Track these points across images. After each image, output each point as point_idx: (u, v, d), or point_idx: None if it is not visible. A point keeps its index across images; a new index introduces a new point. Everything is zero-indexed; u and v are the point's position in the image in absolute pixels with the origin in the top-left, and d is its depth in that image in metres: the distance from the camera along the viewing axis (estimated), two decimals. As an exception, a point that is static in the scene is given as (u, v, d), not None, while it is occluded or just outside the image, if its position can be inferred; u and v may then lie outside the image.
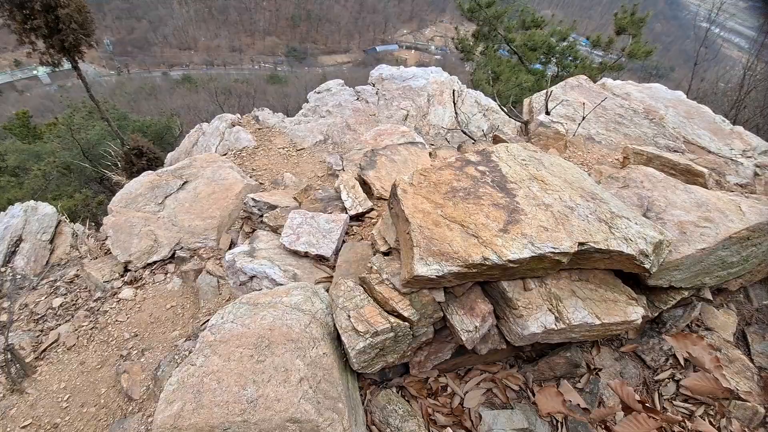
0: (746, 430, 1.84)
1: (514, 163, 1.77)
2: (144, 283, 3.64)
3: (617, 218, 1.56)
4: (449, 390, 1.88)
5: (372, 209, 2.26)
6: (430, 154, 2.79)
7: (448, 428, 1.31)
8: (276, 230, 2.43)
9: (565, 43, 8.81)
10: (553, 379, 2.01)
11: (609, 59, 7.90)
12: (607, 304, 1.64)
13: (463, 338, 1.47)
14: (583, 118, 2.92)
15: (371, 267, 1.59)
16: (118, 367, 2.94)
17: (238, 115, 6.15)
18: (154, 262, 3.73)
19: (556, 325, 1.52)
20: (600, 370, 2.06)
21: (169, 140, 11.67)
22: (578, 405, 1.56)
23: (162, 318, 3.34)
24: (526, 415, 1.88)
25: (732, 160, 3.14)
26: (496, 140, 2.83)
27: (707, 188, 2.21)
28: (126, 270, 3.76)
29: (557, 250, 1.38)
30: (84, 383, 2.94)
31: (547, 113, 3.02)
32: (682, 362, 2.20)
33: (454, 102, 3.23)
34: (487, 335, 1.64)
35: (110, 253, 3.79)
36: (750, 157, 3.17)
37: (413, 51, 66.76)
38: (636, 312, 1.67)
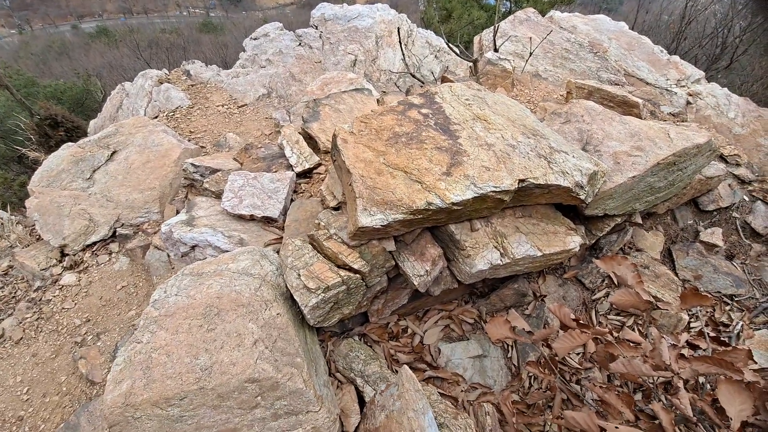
0: (665, 336, 2.12)
1: (458, 104, 1.72)
2: (87, 267, 3.38)
3: (556, 153, 1.59)
4: (410, 331, 1.98)
5: (320, 164, 2.16)
6: (378, 101, 2.65)
7: (405, 365, 1.39)
8: (219, 195, 2.27)
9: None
10: (504, 310, 2.17)
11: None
12: (548, 237, 1.74)
13: (416, 283, 1.51)
14: (530, 54, 2.88)
15: (319, 223, 1.54)
16: (74, 354, 2.81)
17: (165, 71, 5.47)
18: (94, 243, 3.44)
19: (501, 260, 1.59)
20: (545, 296, 2.25)
21: (91, 106, 10.25)
22: (524, 329, 1.70)
23: (114, 299, 3.17)
24: (480, 344, 2.05)
25: (667, 90, 3.29)
26: (444, 81, 2.73)
27: (642, 119, 2.31)
28: (63, 255, 3.46)
29: (499, 189, 1.40)
30: (41, 374, 2.80)
31: (496, 50, 2.93)
32: (616, 282, 2.45)
33: (400, 43, 3.03)
34: (439, 277, 1.70)
35: (42, 238, 3.44)
36: (684, 86, 3.34)
37: (362, -10, 61.39)
38: (574, 241, 1.78)
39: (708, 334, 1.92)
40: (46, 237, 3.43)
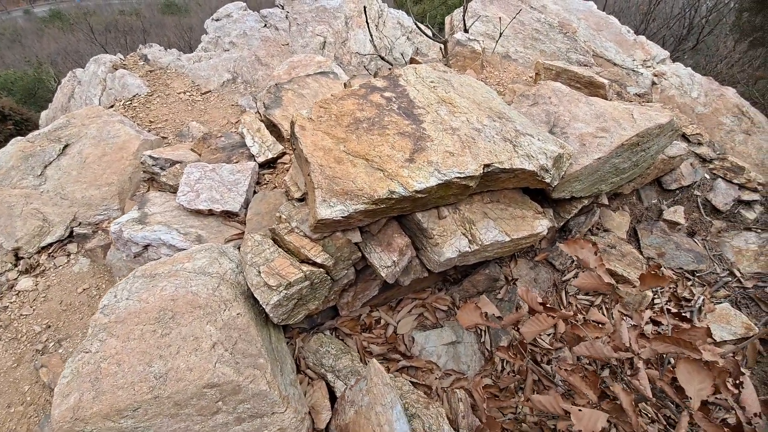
0: (628, 315, 2.18)
1: (423, 87, 1.65)
2: (44, 270, 3.18)
3: (521, 136, 1.56)
4: (383, 322, 1.95)
5: (284, 153, 2.05)
6: (345, 84, 2.55)
7: (374, 359, 1.35)
8: (176, 190, 2.14)
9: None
10: (477, 295, 2.17)
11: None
12: (516, 221, 1.72)
13: (383, 274, 1.46)
14: (500, 34, 2.82)
15: (280, 216, 1.47)
16: (35, 363, 2.67)
17: (120, 56, 5.11)
18: (50, 245, 3.23)
19: (470, 247, 1.57)
20: (517, 280, 2.27)
21: (44, 96, 9.50)
22: (494, 315, 1.70)
23: (75, 303, 3.00)
24: (453, 330, 2.05)
25: (633, 71, 3.32)
26: (413, 62, 2.65)
27: (608, 100, 2.31)
28: (18, 258, 3.23)
29: (463, 175, 1.36)
30: (4, 384, 2.65)
31: (465, 31, 2.86)
32: (580, 265, 2.50)
33: (368, 24, 2.90)
34: (408, 266, 1.66)
35: (-8, 241, 3.19)
36: (650, 66, 3.38)
37: (334, -31, 59.10)
38: (542, 225, 1.78)
39: (669, 310, 1.98)
40: (-3, 240, 3.19)
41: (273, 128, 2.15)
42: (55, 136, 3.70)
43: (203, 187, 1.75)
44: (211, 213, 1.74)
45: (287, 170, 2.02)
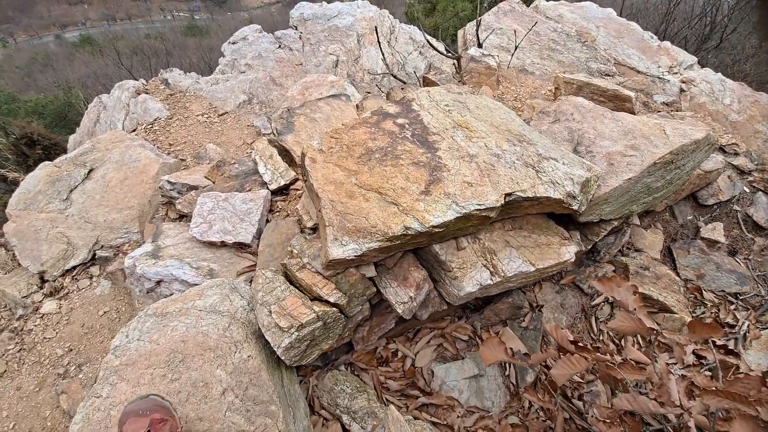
0: (667, 343, 2.01)
1: (437, 111, 1.59)
2: (67, 293, 3.26)
3: (544, 160, 1.47)
4: (400, 354, 1.86)
5: (297, 179, 2.02)
6: (357, 106, 2.51)
7: (391, 406, 1.27)
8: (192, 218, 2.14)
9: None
10: (500, 323, 2.05)
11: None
12: (541, 249, 1.62)
13: (400, 310, 1.39)
14: (516, 47, 2.74)
15: (292, 251, 1.42)
16: (56, 388, 2.70)
17: (143, 81, 5.28)
18: (74, 268, 3.32)
19: (492, 279, 1.47)
20: (542, 306, 2.14)
21: (74, 119, 9.97)
22: (520, 351, 1.59)
23: (96, 326, 3.04)
24: (476, 362, 1.93)
25: (659, 78, 3.16)
26: (426, 83, 2.59)
27: (634, 113, 2.18)
28: (44, 281, 3.33)
29: (483, 207, 1.28)
30: (26, 408, 2.71)
31: (479, 45, 2.79)
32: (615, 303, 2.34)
33: (379, 43, 2.88)
34: (427, 300, 1.58)
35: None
36: (676, 73, 3.21)
37: (347, -15, 60.48)
38: (569, 251, 1.66)
39: (714, 342, 1.81)
40: (25, 263, 3.31)
41: (285, 154, 2.13)
42: (81, 161, 3.82)
43: (216, 218, 1.73)
44: (223, 244, 1.71)
45: (299, 197, 1.98)
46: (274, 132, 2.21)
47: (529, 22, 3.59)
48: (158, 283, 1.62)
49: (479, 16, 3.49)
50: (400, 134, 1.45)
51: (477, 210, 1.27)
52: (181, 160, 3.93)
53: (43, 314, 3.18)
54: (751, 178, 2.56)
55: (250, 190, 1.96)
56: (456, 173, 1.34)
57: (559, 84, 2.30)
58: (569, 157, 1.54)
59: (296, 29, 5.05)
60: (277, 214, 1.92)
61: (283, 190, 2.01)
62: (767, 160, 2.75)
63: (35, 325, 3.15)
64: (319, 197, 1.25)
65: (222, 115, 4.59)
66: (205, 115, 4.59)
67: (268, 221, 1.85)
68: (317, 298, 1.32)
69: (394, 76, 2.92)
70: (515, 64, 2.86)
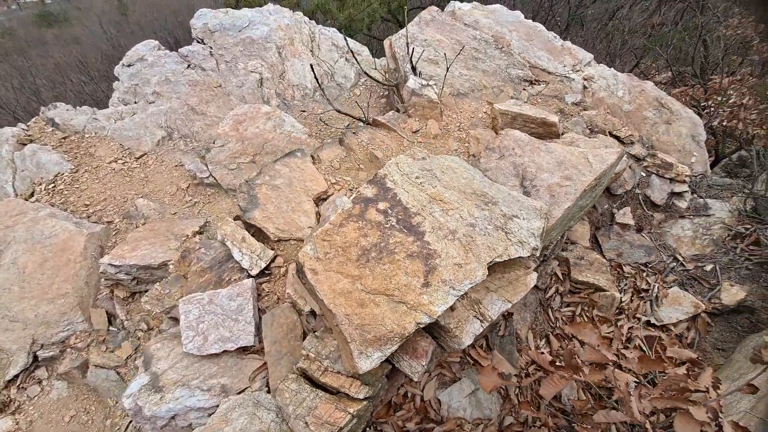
0: (606, 322, 2.50)
1: (410, 185, 1.71)
2: (19, 405, 2.87)
3: (510, 220, 1.70)
4: (409, 395, 2.08)
5: (276, 256, 2.01)
6: (313, 158, 2.49)
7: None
8: (169, 313, 2.02)
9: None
10: (482, 338, 2.37)
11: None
12: (513, 285, 1.89)
13: (415, 378, 1.57)
14: (447, 70, 2.90)
15: (308, 354, 1.48)
16: None
17: (22, 127, 4.44)
18: (16, 377, 2.91)
19: (482, 326, 1.72)
20: (512, 313, 2.50)
21: None
22: (510, 374, 1.90)
23: (68, 434, 2.76)
24: (471, 380, 2.24)
25: (566, 77, 3.59)
26: (376, 124, 2.65)
27: (560, 135, 2.53)
28: (-18, 398, 2.86)
29: (474, 283, 1.47)
30: None
31: (414, 72, 2.89)
32: (560, 276, 2.81)
33: (315, 78, 2.81)
34: (432, 355, 1.78)
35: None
36: (579, 70, 3.68)
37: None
38: (533, 278, 1.97)
39: (639, 319, 2.32)
40: (-49, 386, 2.81)
41: (257, 232, 2.08)
42: (-25, 246, 3.23)
43: (208, 327, 1.68)
44: (225, 352, 1.69)
45: (283, 275, 1.99)
46: (239, 208, 2.12)
47: (450, 31, 3.75)
48: (173, 418, 1.56)
49: (406, 26, 3.54)
50: (387, 223, 1.55)
51: (470, 288, 1.46)
52: (108, 222, 3.51)
53: (2, 435, 2.80)
54: (646, 164, 3.16)
55: (230, 281, 1.91)
56: (446, 257, 1.50)
57: (496, 114, 2.54)
58: (527, 209, 1.80)
59: (203, 43, 4.54)
60: (266, 298, 1.91)
61: (263, 271, 1.99)
62: (655, 143, 3.40)
63: (-6, 453, 2.77)
64: (334, 314, 1.32)
65: (140, 157, 4.09)
66: (120, 161, 4.06)
67: (260, 309, 1.85)
68: (346, 397, 1.43)
69: (338, 111, 2.90)
70: (446, 90, 3.03)
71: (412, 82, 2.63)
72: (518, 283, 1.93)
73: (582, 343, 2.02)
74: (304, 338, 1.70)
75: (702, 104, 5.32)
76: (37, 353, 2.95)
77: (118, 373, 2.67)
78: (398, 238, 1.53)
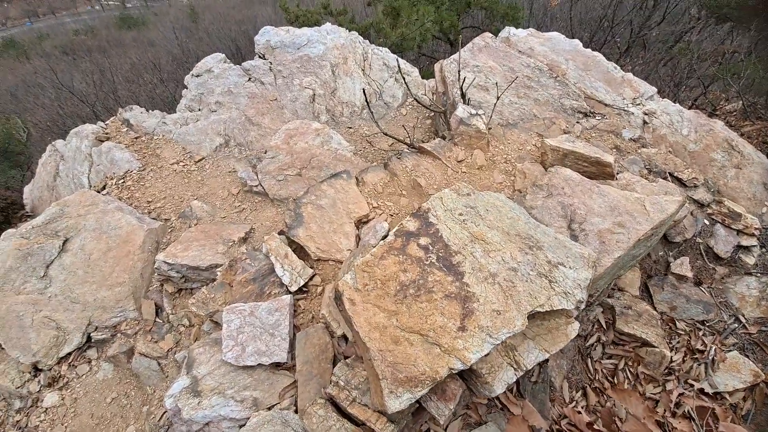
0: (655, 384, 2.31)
1: (453, 223, 1.70)
2: (67, 381, 3.13)
3: (555, 268, 1.64)
4: (431, 432, 2.04)
5: (315, 275, 2.08)
6: (357, 180, 2.56)
7: None
8: (212, 317, 2.15)
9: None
10: (514, 384, 2.27)
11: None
12: (552, 334, 1.81)
13: (442, 421, 1.54)
14: (497, 98, 2.87)
15: (337, 382, 1.51)
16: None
17: (101, 124, 4.93)
18: (69, 354, 3.18)
19: (516, 375, 1.65)
20: (547, 360, 2.38)
21: (16, 150, 9.07)
22: (541, 428, 1.81)
23: (107, 415, 2.97)
24: (498, 424, 2.15)
25: (624, 110, 3.42)
26: (422, 151, 2.68)
27: (615, 177, 2.41)
28: (37, 370, 3.18)
29: (512, 333, 1.43)
30: None
31: (464, 101, 2.89)
32: (604, 324, 2.63)
33: (367, 102, 2.90)
34: (461, 399, 1.74)
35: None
36: (639, 104, 3.49)
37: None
38: (574, 328, 1.87)
39: (693, 386, 2.12)
40: (14, 354, 3.15)
41: (299, 248, 2.17)
42: (52, 230, 3.61)
43: (247, 338, 1.77)
44: (259, 365, 1.76)
45: (320, 294, 2.05)
46: (285, 224, 2.23)
47: (503, 58, 3.71)
48: (207, 424, 1.66)
49: (459, 51, 3.56)
50: (426, 260, 1.56)
51: (507, 337, 1.42)
52: (165, 220, 3.79)
53: (47, 408, 3.07)
54: (710, 211, 2.91)
55: (270, 295, 2.00)
56: (485, 301, 1.47)
57: (546, 149, 2.47)
58: (573, 256, 1.72)
59: (264, 58, 4.86)
60: (301, 315, 1.98)
61: (302, 288, 2.07)
62: (722, 188, 3.12)
63: (41, 421, 3.05)
64: (368, 348, 1.34)
65: (199, 161, 4.40)
66: (181, 163, 4.39)
67: (295, 326, 1.91)
68: (372, 430, 1.44)
69: (386, 133, 2.96)
70: (495, 119, 3.00)
71: (461, 110, 2.63)
72: (558, 332, 1.84)
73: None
74: (335, 361, 1.73)
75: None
76: (91, 334, 3.21)
77: (158, 364, 2.86)
78: (437, 277, 1.52)
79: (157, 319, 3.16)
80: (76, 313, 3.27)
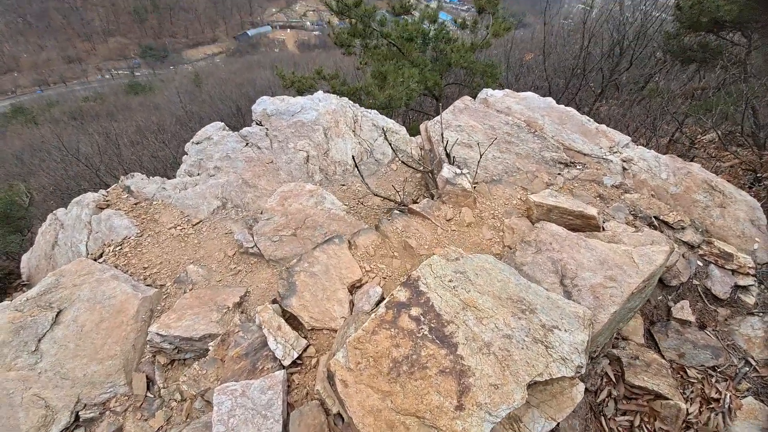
0: None
1: (444, 290, 1.72)
2: (57, 465, 2.93)
3: (549, 332, 1.62)
4: None
5: (308, 345, 2.04)
6: (349, 244, 2.60)
7: None
8: (204, 396, 2.07)
9: (435, 26, 9.02)
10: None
11: (478, 39, 8.34)
12: (557, 399, 1.75)
13: None
14: (481, 155, 3.01)
15: (332, 471, 1.43)
16: None
17: (102, 193, 5.06)
18: (57, 435, 3.00)
19: (522, 450, 1.57)
20: (558, 423, 2.27)
21: (17, 215, 9.21)
22: None
23: (92, 505, 2.75)
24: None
25: (603, 159, 3.58)
26: (411, 212, 2.76)
27: (602, 228, 2.46)
28: (24, 453, 2.97)
29: (512, 408, 1.39)
30: None
31: (450, 161, 3.03)
32: (612, 377, 2.54)
33: (356, 165, 3.03)
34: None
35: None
36: (616, 152, 3.66)
37: (288, 30, 62.61)
38: (579, 390, 1.81)
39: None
40: (2, 434, 2.97)
41: (292, 317, 2.15)
42: (46, 302, 3.57)
43: (238, 422, 1.69)
44: (251, 453, 1.68)
45: (314, 366, 2.00)
46: (278, 293, 2.23)
47: (483, 117, 3.95)
48: None
49: (441, 114, 3.79)
50: (419, 332, 1.55)
51: (507, 413, 1.37)
52: (161, 286, 3.77)
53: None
54: (701, 252, 2.94)
55: (263, 370, 1.95)
56: (481, 375, 1.44)
57: (531, 206, 2.55)
58: (567, 315, 1.71)
59: (261, 125, 5.14)
60: (295, 391, 1.91)
61: (296, 361, 2.02)
62: (710, 228, 3.18)
63: None
64: (362, 435, 1.29)
65: (196, 224, 4.47)
66: (179, 227, 4.45)
67: (289, 404, 1.84)
68: None
69: (376, 194, 3.06)
70: (481, 175, 3.12)
71: (446, 170, 2.75)
72: (563, 396, 1.78)
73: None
74: (331, 443, 1.65)
75: (758, 175, 4.98)
76: (80, 413, 3.07)
77: (151, 441, 2.69)
78: (430, 350, 1.50)
79: (148, 394, 3.04)
80: (65, 390, 3.15)
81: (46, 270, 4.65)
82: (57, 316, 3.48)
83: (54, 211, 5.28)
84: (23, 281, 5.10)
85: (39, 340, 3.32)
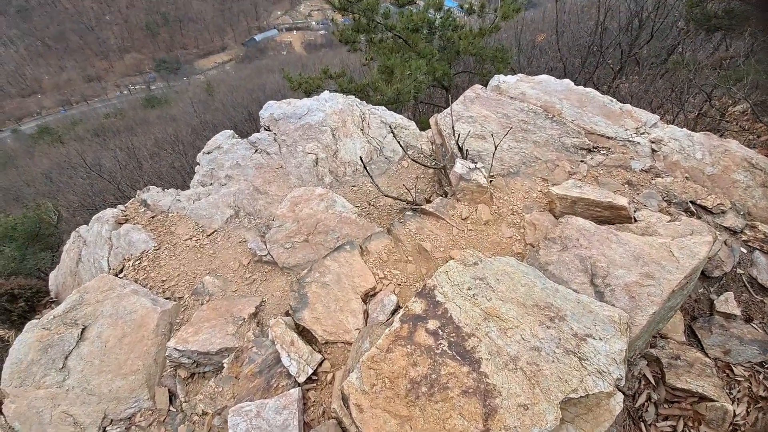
0: None
1: (462, 299, 1.59)
2: (83, 482, 2.99)
3: (582, 342, 1.47)
4: None
5: (323, 360, 1.96)
6: (361, 250, 2.50)
7: None
8: (220, 414, 2.03)
9: (441, 13, 8.75)
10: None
11: (486, 24, 8.02)
12: (593, 412, 1.60)
13: None
14: (496, 147, 2.84)
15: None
16: None
17: (121, 208, 5.15)
18: (85, 453, 3.07)
19: (557, 470, 1.43)
20: None
21: (46, 232, 9.62)
22: None
23: None
24: None
25: (629, 141, 3.32)
26: (424, 212, 2.63)
27: (634, 219, 2.26)
28: (53, 471, 3.06)
29: (544, 431, 1.25)
30: None
31: (462, 155, 2.87)
32: (651, 380, 2.35)
33: (364, 166, 2.92)
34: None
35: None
36: (643, 133, 3.39)
37: (295, 32, 62.88)
38: (618, 401, 1.65)
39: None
40: (35, 456, 3.05)
41: (305, 331, 2.07)
42: (71, 319, 3.64)
43: (255, 445, 1.63)
44: (269, 477, 1.61)
45: (330, 382, 1.91)
46: (290, 306, 2.16)
47: (496, 106, 3.75)
48: None
49: (450, 105, 3.62)
50: (438, 348, 1.43)
51: (539, 436, 1.25)
52: (179, 298, 3.79)
53: None
54: (744, 238, 2.68)
55: (277, 388, 1.88)
56: (507, 395, 1.32)
57: (553, 199, 2.37)
58: (601, 320, 1.56)
59: (269, 130, 5.09)
60: (312, 409, 1.83)
61: (311, 377, 1.94)
62: (752, 210, 2.90)
63: None
64: (380, 466, 1.20)
65: (211, 234, 4.48)
66: (194, 238, 4.47)
67: (305, 423, 1.77)
68: None
69: (387, 195, 2.95)
70: (496, 168, 2.95)
71: (459, 166, 2.60)
72: (599, 409, 1.62)
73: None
74: (351, 465, 1.56)
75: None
76: (107, 428, 3.11)
77: (177, 459, 2.70)
78: (451, 368, 1.38)
79: (171, 408, 3.05)
80: (92, 406, 3.20)
81: (72, 286, 4.78)
82: (82, 332, 3.55)
83: (77, 228, 5.41)
84: (51, 298, 5.27)
85: (66, 358, 3.39)
